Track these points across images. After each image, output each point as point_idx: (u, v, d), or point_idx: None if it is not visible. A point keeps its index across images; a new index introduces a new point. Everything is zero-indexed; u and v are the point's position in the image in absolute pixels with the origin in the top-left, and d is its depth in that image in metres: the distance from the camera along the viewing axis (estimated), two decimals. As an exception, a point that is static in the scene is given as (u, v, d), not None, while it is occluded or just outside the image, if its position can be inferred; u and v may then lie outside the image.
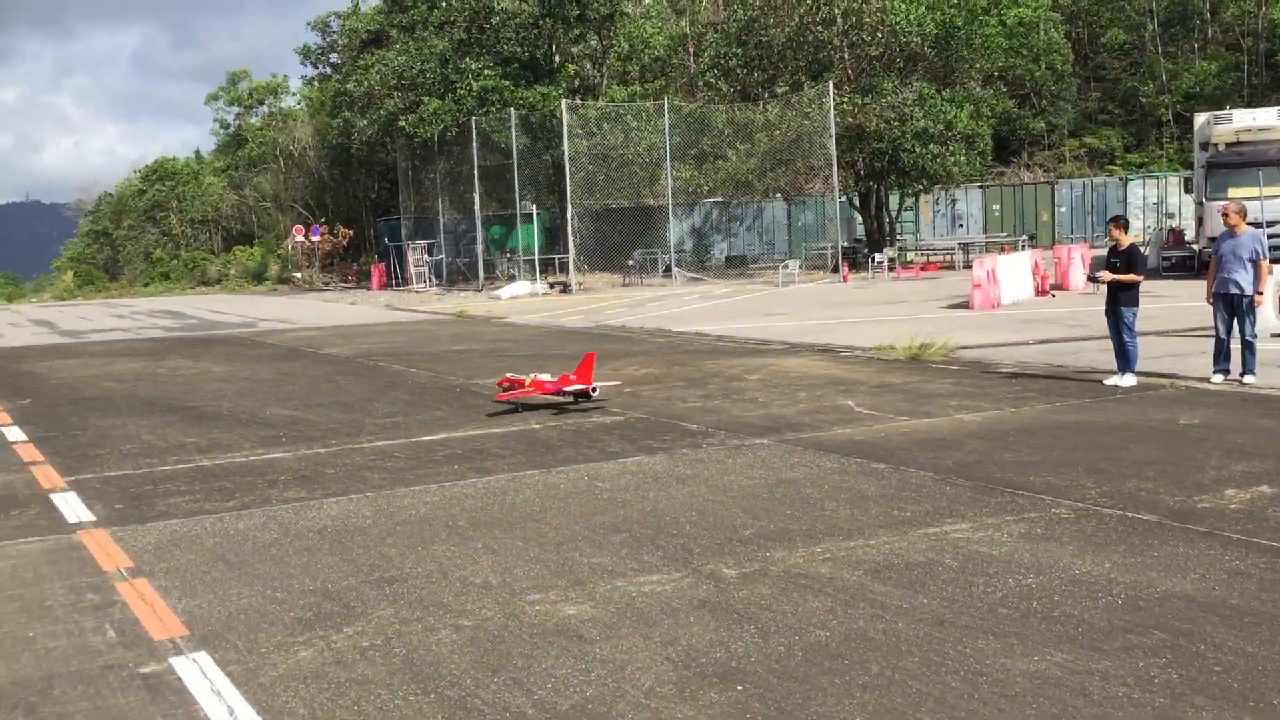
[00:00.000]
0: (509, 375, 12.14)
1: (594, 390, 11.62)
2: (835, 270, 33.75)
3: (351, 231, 56.20)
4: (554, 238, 45.22)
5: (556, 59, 37.55)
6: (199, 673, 4.75)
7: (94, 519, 7.59)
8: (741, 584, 5.67)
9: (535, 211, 36.24)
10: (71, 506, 7.96)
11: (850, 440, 9.31)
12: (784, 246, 42.33)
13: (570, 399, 11.64)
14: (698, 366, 14.72)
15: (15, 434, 11.37)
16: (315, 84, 59.40)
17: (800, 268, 34.04)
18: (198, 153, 74.88)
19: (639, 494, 7.74)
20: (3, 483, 8.94)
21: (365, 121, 38.44)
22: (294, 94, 62.90)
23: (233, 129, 64.65)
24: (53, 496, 8.33)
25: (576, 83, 38.19)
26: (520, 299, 31.45)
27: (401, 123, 36.53)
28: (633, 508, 7.35)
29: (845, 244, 35.31)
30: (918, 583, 5.57)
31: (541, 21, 35.71)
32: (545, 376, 11.93)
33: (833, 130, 32.67)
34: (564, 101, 32.63)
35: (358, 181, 62.07)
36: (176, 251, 65.66)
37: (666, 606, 5.36)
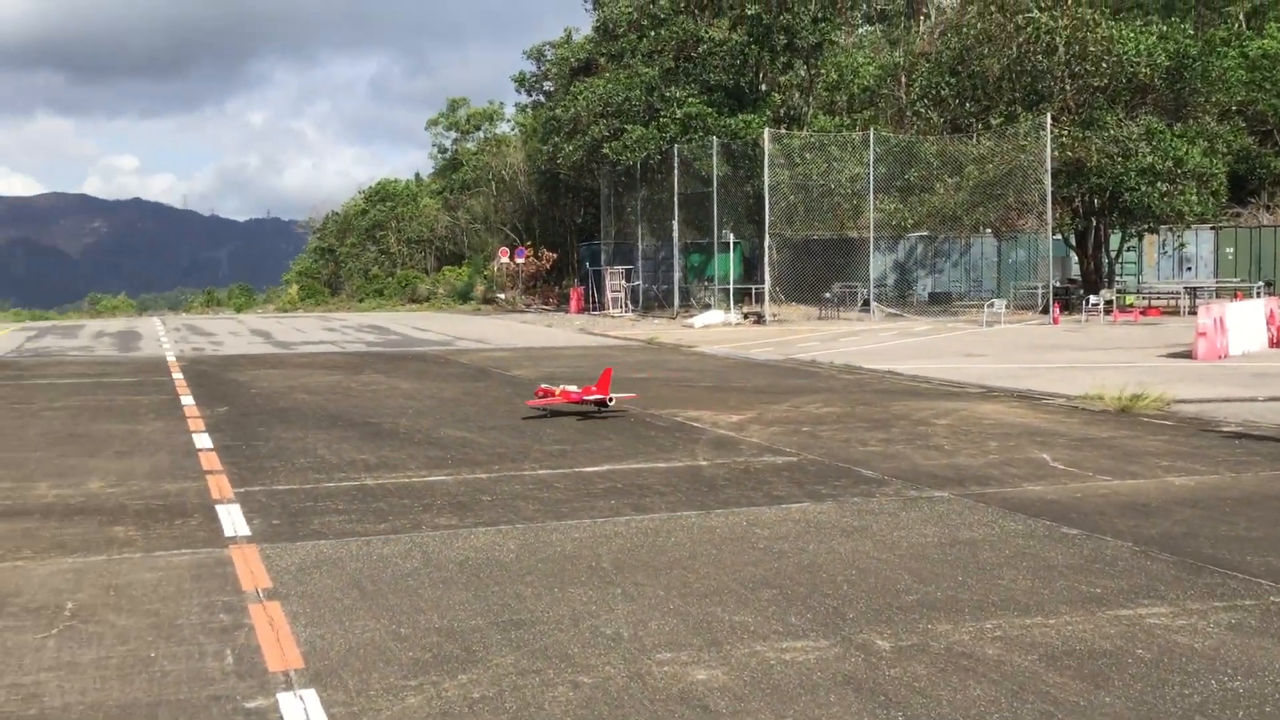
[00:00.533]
0: (543, 386, 14.30)
1: (610, 400, 13.34)
2: (1045, 311, 32.08)
3: (555, 255, 57.30)
4: (752, 267, 44.83)
5: (762, 87, 37.23)
6: (302, 713, 4.52)
7: (249, 534, 7.59)
8: (895, 659, 5.08)
9: (733, 240, 35.93)
10: (232, 519, 8.02)
11: (1041, 499, 8.50)
12: (991, 284, 40.62)
13: (593, 407, 13.40)
14: (884, 407, 13.99)
15: (203, 442, 11.71)
16: (528, 110, 60.99)
17: (1007, 307, 32.51)
18: (417, 175, 78.12)
19: (798, 545, 7.20)
20: (176, 490, 9.14)
21: (571, 147, 39.06)
22: (508, 120, 64.83)
23: (450, 153, 67.09)
24: (218, 508, 8.42)
25: (781, 111, 37.74)
26: (713, 328, 31.14)
27: (605, 149, 36.93)
28: (789, 560, 6.82)
29: (1058, 284, 33.55)
30: (1101, 675, 4.85)
31: (748, 50, 35.48)
32: (573, 388, 13.77)
33: (1049, 164, 31.13)
34: (766, 130, 32.24)
35: (564, 206, 63.31)
36: (392, 269, 68.54)
37: (807, 680, 4.84)
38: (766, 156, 31.51)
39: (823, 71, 37.01)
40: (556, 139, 52.84)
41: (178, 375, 19.35)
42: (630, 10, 36.56)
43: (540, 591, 6.19)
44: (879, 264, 37.64)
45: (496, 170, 61.25)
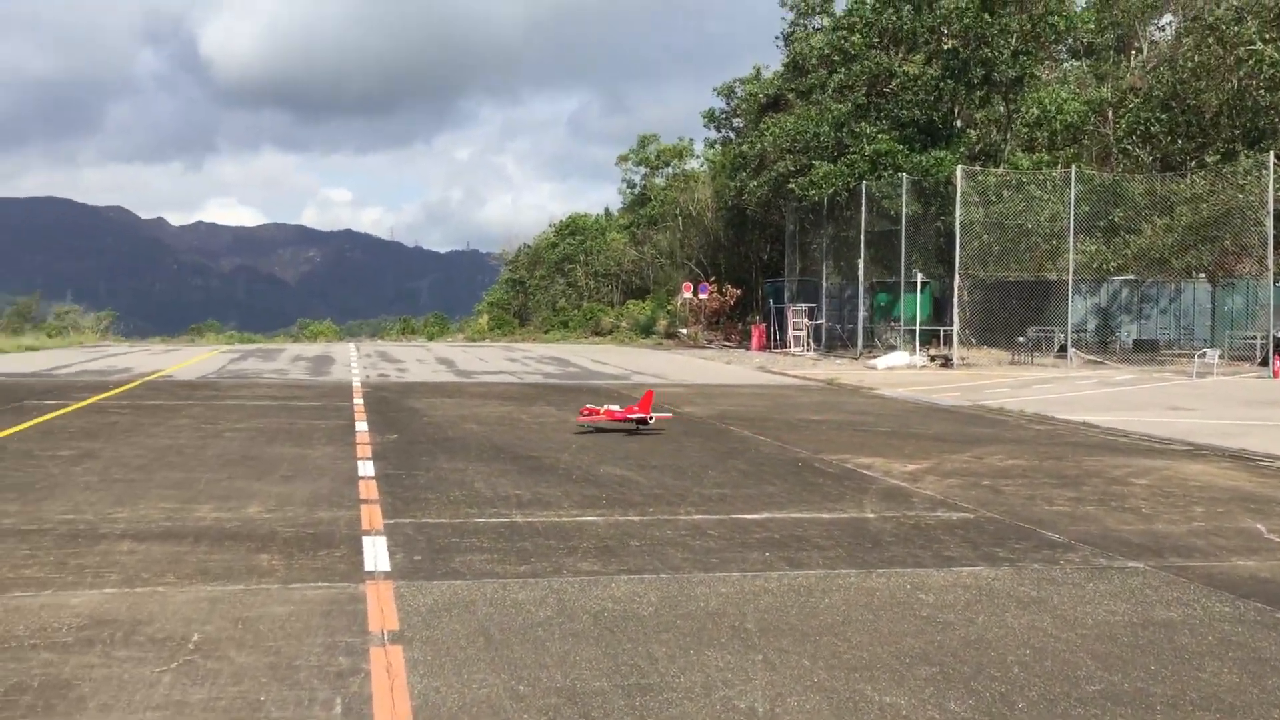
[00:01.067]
0: (588, 405, 16.03)
1: (651, 419, 15.24)
2: (1264, 363, 29.68)
3: (740, 291, 56.93)
4: (941, 308, 43.35)
5: (957, 124, 36.02)
6: (397, 776, 4.19)
7: (388, 569, 7.40)
8: (1069, 764, 4.39)
9: (921, 280, 34.76)
10: (375, 552, 7.86)
11: (1253, 577, 7.52)
12: (1204, 333, 37.95)
13: (634, 425, 15.13)
14: (1076, 462, 12.95)
15: (367, 469, 11.74)
16: (717, 147, 61.02)
17: (1221, 358, 30.21)
18: (607, 210, 79.25)
19: (966, 615, 6.51)
20: (329, 519, 9.08)
21: (756, 183, 38.66)
22: (697, 156, 65.03)
23: (639, 189, 67.77)
24: (364, 539, 8.29)
25: (977, 148, 36.39)
26: (896, 370, 30.06)
27: (791, 185, 36.37)
28: (954, 633, 6.15)
29: (1278, 334, 31.02)
30: (1324, 805, 4.05)
31: (944, 84, 34.38)
32: (615, 407, 15.64)
33: (1271, 205, 28.89)
34: (959, 168, 31.05)
35: (750, 242, 62.96)
36: (579, 302, 69.52)
37: (961, 782, 4.21)
38: (959, 194, 30.31)
39: (1021, 107, 35.50)
40: (744, 174, 52.60)
41: (358, 401, 19.76)
42: (822, 46, 35.96)
43: (675, 653, 5.72)
44: (1078, 308, 35.69)
45: (684, 206, 61.42)
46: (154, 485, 10.53)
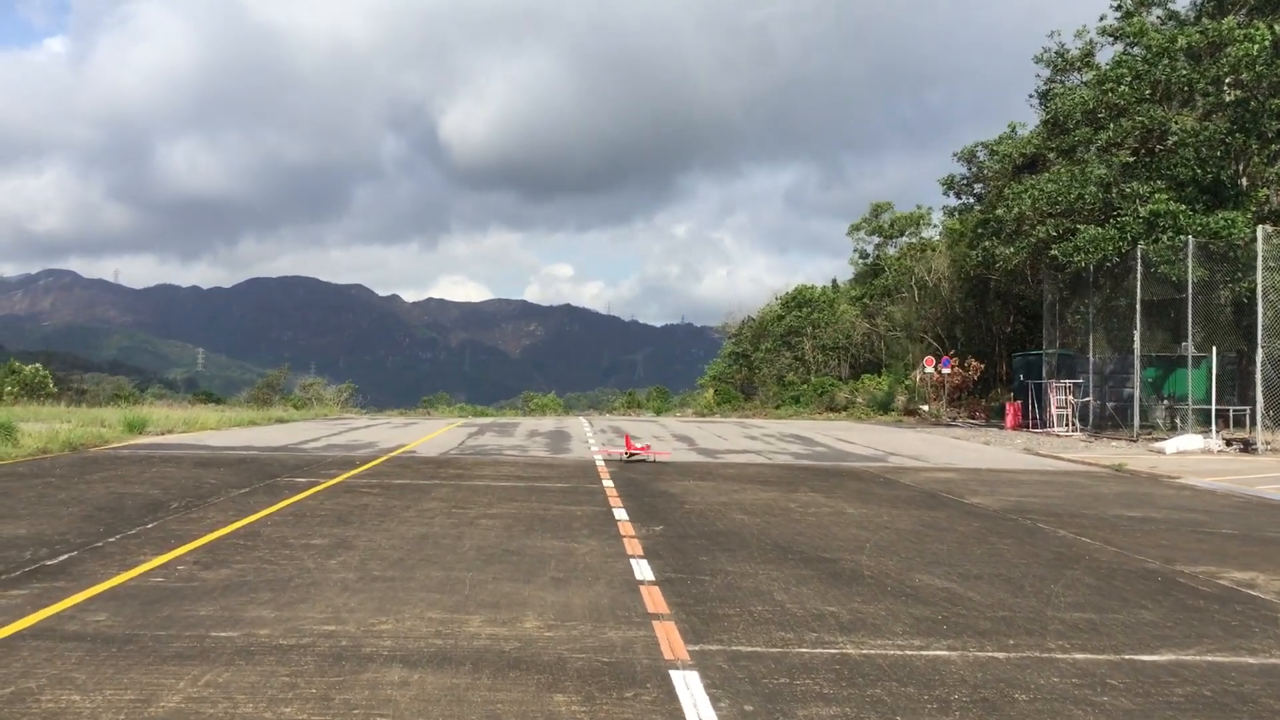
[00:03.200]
0: (628, 436, 23.76)
1: (653, 458, 22.16)
2: None
3: (982, 365, 53.74)
4: (1222, 385, 39.30)
5: (1243, 181, 32.52)
6: None
7: (717, 726, 5.78)
8: None
9: (1208, 353, 31.25)
10: (693, 698, 6.27)
11: None
12: None
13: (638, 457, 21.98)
14: None
15: (643, 571, 10.25)
16: (956, 214, 58.27)
17: None
18: (834, 281, 77.13)
19: None
20: (621, 642, 7.57)
21: (1012, 249, 36.00)
22: (934, 225, 62.34)
23: (871, 258, 65.50)
24: (673, 675, 6.73)
25: (1265, 208, 32.75)
26: (1189, 455, 26.77)
27: (1054, 250, 33.57)
28: None
29: None
30: None
31: (1232, 138, 31.09)
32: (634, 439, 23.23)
33: None
34: (1260, 228, 27.68)
35: (992, 314, 59.65)
36: (807, 375, 67.53)
37: None
38: (1260, 258, 26.98)
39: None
40: (989, 242, 49.74)
41: (607, 482, 18.49)
42: (1086, 100, 33.27)
43: None
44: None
45: (919, 276, 58.78)
46: (416, 586, 9.32)
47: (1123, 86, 32.88)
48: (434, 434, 32.62)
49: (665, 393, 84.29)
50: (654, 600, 8.95)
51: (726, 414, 54.38)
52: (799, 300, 70.80)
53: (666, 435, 33.59)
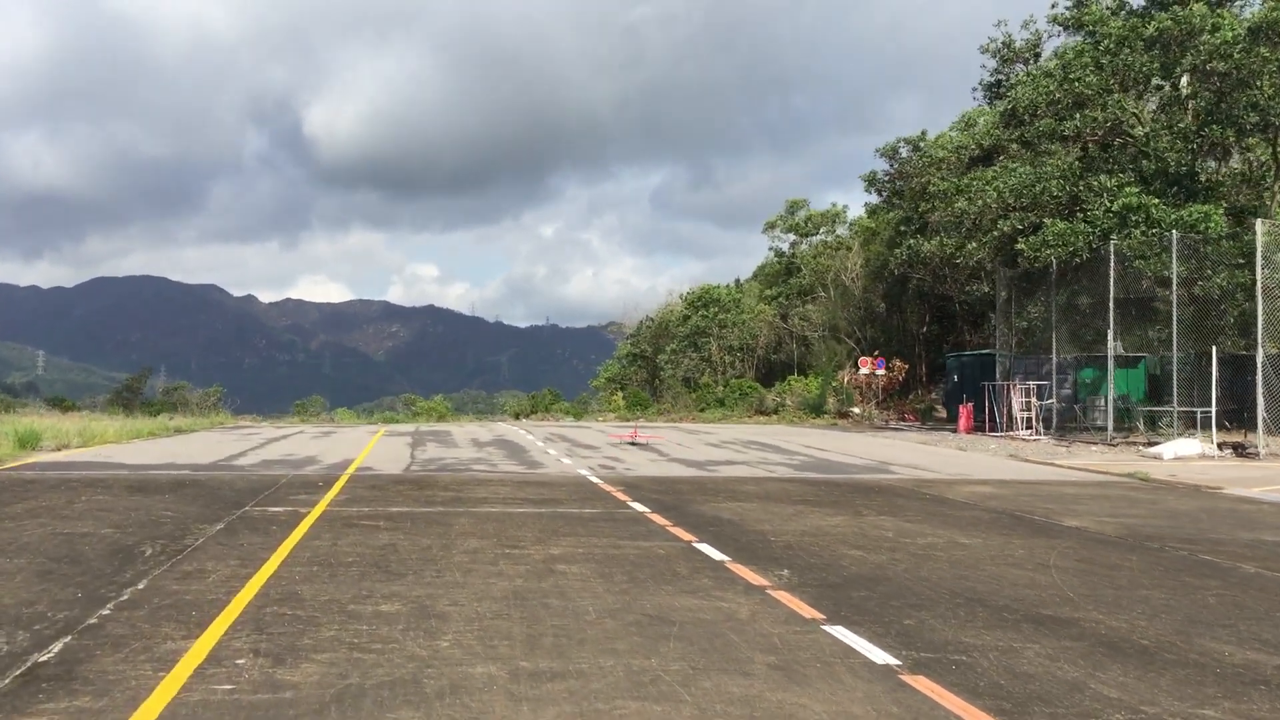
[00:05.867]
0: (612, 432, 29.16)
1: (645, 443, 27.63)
2: None
3: (907, 366, 52.66)
4: (1157, 386, 38.78)
5: (1201, 176, 31.66)
6: None
7: None
8: None
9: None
10: None
11: None
12: None
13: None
14: None
15: (863, 646, 7.74)
16: (876, 213, 57.12)
17: None
18: (738, 281, 75.57)
19: None
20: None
21: (975, 244, 34.51)
22: (848, 224, 61.09)
23: (785, 257, 63.94)
24: None
25: (1236, 202, 31.98)
26: (1190, 461, 25.49)
27: (1021, 245, 32.16)
28: None
29: None
30: None
31: (1207, 130, 30.12)
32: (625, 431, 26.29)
33: None
34: (1259, 221, 26.59)
35: (908, 314, 58.78)
36: (716, 378, 65.65)
37: None
38: (1259, 252, 25.85)
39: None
40: (914, 240, 48.59)
41: (639, 506, 15.86)
42: (1051, 90, 31.93)
43: None
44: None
45: (835, 274, 57.44)
46: (604, 688, 6.61)
47: (1090, 76, 31.65)
48: (369, 446, 29.32)
49: (557, 395, 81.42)
50: (949, 702, 6.45)
51: (652, 418, 51.95)
52: (705, 300, 68.92)
53: (623, 444, 30.98)
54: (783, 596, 9.42)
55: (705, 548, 12.07)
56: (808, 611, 8.83)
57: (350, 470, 21.21)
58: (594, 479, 20.17)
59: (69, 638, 7.68)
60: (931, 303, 56.24)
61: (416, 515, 14.53)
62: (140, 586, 9.53)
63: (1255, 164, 33.63)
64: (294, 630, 7.94)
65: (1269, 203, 32.13)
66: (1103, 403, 40.85)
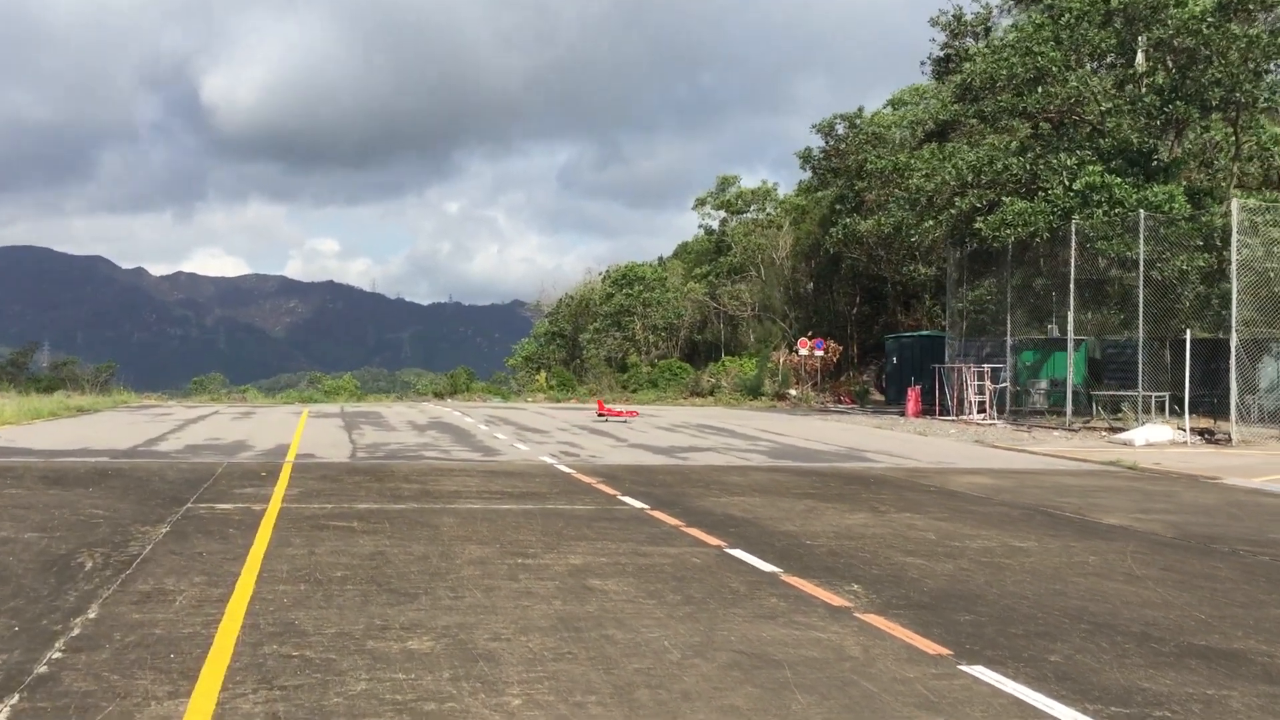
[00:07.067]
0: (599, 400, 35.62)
1: (624, 419, 31.54)
2: None
3: (841, 348, 51.83)
4: (1096, 369, 38.40)
5: (1178, 151, 31.06)
6: None
7: None
8: None
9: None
10: None
11: None
12: None
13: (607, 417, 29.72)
14: None
15: (1009, 685, 6.28)
16: (810, 191, 56.05)
17: None
18: (660, 259, 74.14)
19: None
20: None
21: (932, 222, 33.48)
22: (778, 201, 59.93)
23: (715, 235, 62.57)
24: None
25: (1195, 182, 31.47)
26: (1163, 448, 24.76)
27: (979, 224, 31.20)
28: None
29: None
30: None
31: (1171, 107, 29.43)
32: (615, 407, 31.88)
33: None
34: (1234, 201, 25.94)
35: (839, 295, 57.99)
36: (641, 357, 64.19)
37: None
38: (1235, 233, 25.15)
39: (1260, 136, 30.46)
40: (851, 218, 47.68)
41: (633, 501, 14.26)
42: (1013, 64, 30.97)
43: None
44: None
45: (768, 254, 56.30)
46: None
47: (1052, 51, 30.76)
48: (299, 429, 27.14)
49: (472, 374, 79.17)
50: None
51: (583, 399, 50.17)
52: (629, 278, 67.31)
53: (571, 427, 29.29)
54: (878, 622, 7.92)
55: (742, 554, 10.54)
56: (928, 645, 7.33)
57: (290, 458, 19.19)
58: (563, 468, 18.50)
59: (15, 698, 5.80)
60: (863, 284, 55.50)
61: (391, 514, 12.71)
62: (91, 615, 7.63)
63: (1210, 145, 33.21)
64: (312, 682, 6.18)
65: (1224, 184, 31.68)
66: (1044, 386, 40.45)
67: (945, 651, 7.15)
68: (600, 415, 33.21)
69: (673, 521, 12.56)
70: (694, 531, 11.90)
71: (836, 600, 8.61)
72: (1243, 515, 14.47)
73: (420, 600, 8.29)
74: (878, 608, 8.39)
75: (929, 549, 11.15)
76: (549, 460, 19.72)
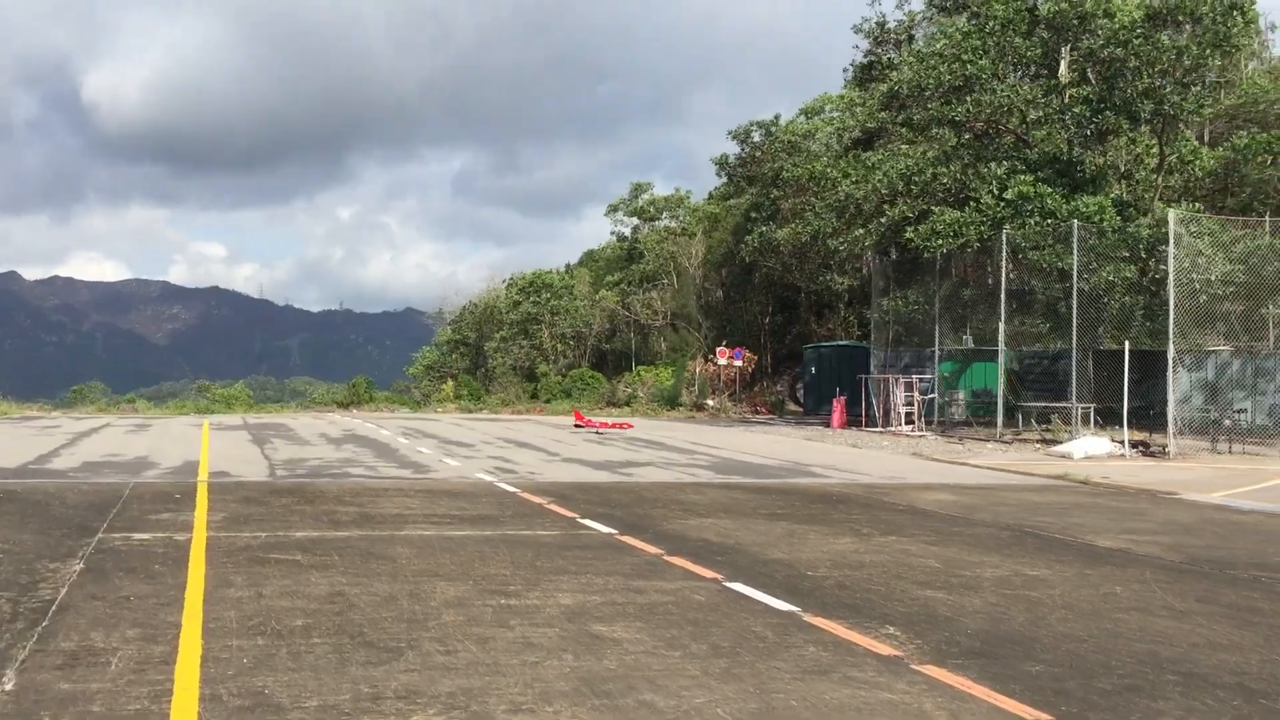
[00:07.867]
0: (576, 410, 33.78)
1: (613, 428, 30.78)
2: None
3: (755, 357, 51.29)
4: (1013, 381, 38.42)
5: (1104, 161, 31.03)
6: None
7: None
8: None
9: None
10: None
11: None
12: None
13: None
14: None
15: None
16: (725, 199, 55.41)
17: None
18: (568, 266, 72.94)
19: None
20: None
21: (862, 231, 32.93)
22: (691, 209, 59.19)
23: (628, 242, 61.56)
24: None
25: (1124, 193, 31.47)
26: (1102, 461, 24.45)
27: (909, 234, 30.74)
28: None
29: None
30: None
31: (1100, 118, 29.34)
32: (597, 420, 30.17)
33: None
34: (1171, 211, 25.83)
35: (752, 304, 57.50)
36: (549, 366, 62.89)
37: None
38: (1171, 244, 25.00)
39: (1182, 147, 30.53)
40: (766, 226, 47.18)
41: (596, 524, 13.09)
42: (941, 72, 30.60)
43: None
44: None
45: (681, 262, 55.49)
46: None
47: (982, 60, 30.48)
48: (204, 444, 25.23)
49: (372, 383, 76.85)
50: None
51: (496, 409, 48.59)
52: (536, 285, 65.95)
53: (498, 441, 27.89)
54: (945, 676, 6.90)
55: (745, 589, 9.47)
56: (1021, 709, 6.31)
57: (203, 476, 17.51)
58: (505, 486, 17.21)
59: (-79, 823, 4.40)
60: (777, 293, 55.08)
61: (336, 543, 11.32)
62: (8, 687, 6.18)
63: (1133, 157, 33.34)
64: (310, 783, 4.88)
65: (1146, 196, 31.78)
66: (962, 397, 40.32)
67: (1046, 717, 6.15)
68: (578, 426, 31.97)
69: (651, 549, 11.42)
70: (679, 561, 10.78)
71: (883, 649, 7.58)
72: (1229, 535, 13.91)
73: (407, 657, 7.00)
74: (932, 657, 7.37)
75: (941, 580, 10.22)
76: (487, 478, 18.40)
